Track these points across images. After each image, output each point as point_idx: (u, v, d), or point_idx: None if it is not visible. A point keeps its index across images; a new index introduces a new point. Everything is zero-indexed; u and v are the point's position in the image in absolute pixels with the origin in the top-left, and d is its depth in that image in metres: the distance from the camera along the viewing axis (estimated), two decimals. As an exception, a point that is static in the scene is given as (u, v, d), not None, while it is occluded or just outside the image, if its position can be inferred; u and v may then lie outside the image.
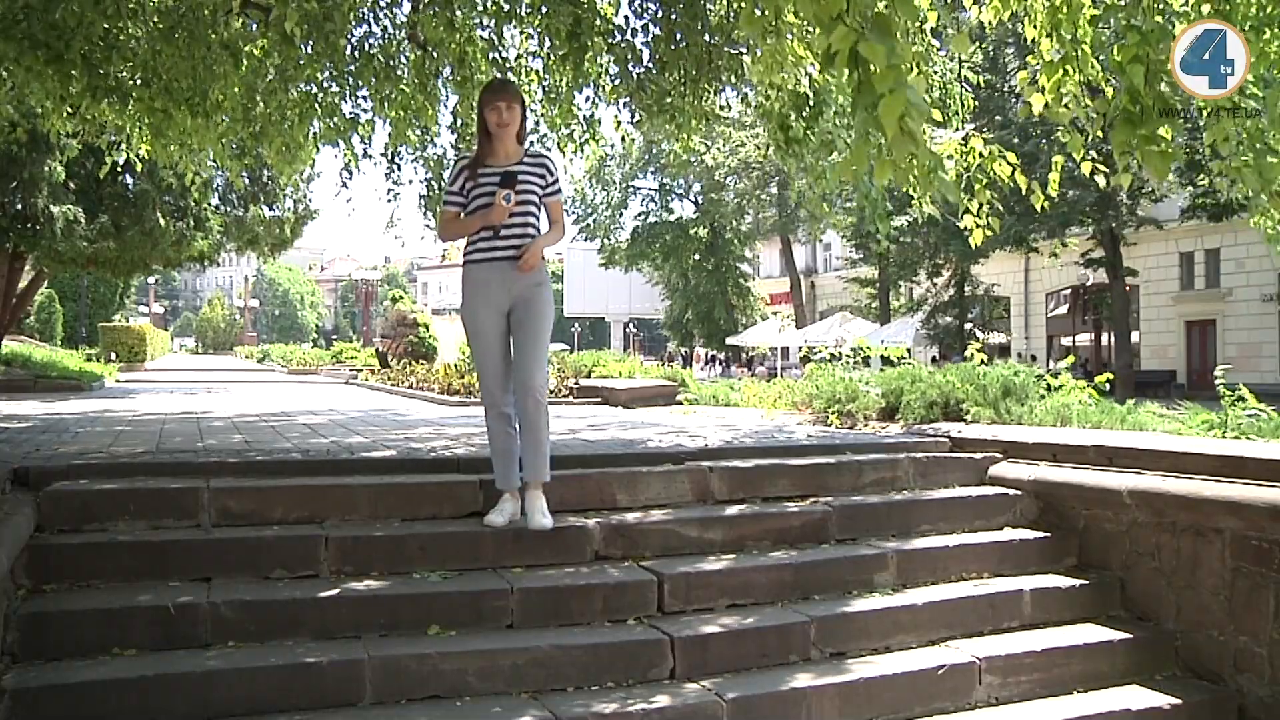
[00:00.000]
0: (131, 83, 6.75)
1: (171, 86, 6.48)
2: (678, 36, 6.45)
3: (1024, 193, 5.40)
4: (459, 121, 7.60)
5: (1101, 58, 4.81)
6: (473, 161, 3.95)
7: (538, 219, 3.94)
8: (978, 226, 5.63)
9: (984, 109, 20.40)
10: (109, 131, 7.86)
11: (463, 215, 3.95)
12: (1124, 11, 4.25)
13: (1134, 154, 4.26)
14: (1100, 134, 4.77)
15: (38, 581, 3.35)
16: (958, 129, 6.18)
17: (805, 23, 2.60)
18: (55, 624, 3.15)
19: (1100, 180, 5.21)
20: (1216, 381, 5.69)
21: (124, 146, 8.05)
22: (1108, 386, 6.18)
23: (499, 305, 3.88)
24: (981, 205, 5.61)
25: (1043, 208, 5.63)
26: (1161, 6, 4.38)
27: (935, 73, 6.43)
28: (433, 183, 8.01)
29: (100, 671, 3.00)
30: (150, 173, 13.69)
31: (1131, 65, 4.08)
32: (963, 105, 6.64)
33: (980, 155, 5.58)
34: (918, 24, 4.33)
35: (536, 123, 7.58)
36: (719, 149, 34.24)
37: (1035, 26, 5.01)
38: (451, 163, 7.95)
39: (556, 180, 4.00)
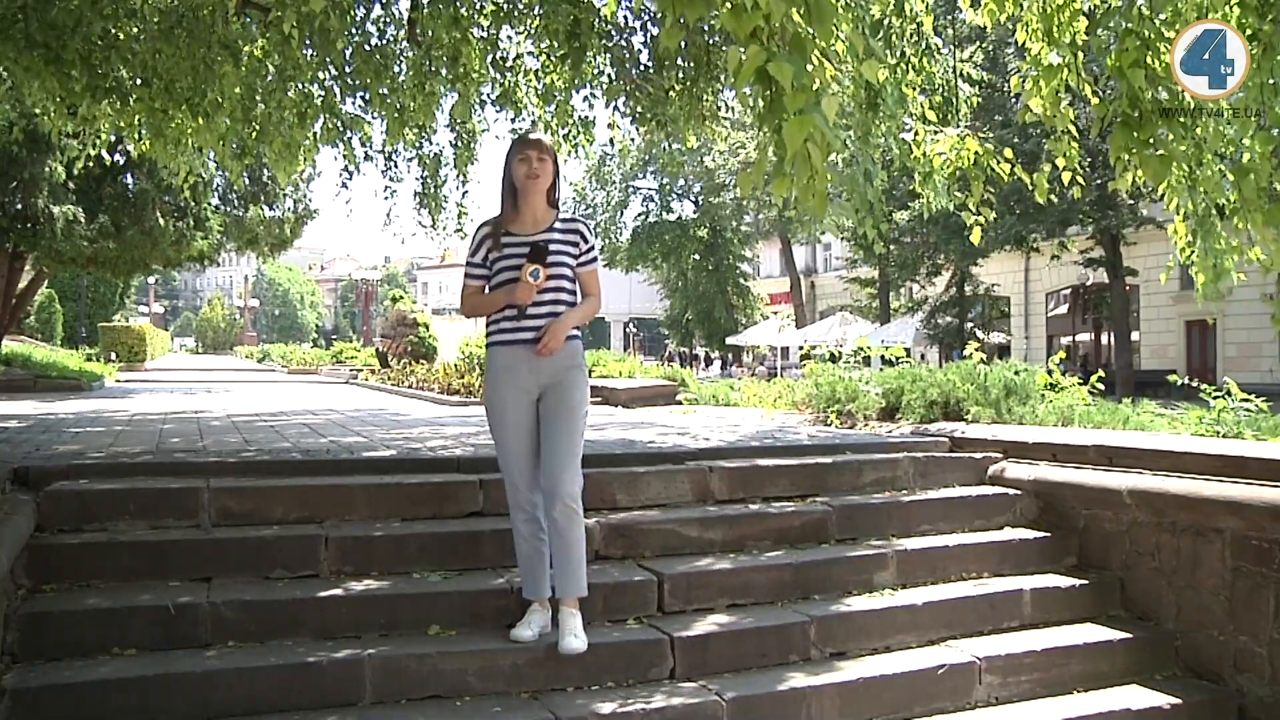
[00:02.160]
0: (131, 82, 6.75)
1: (171, 86, 6.49)
2: (668, 24, 6.43)
3: (1030, 188, 5.40)
4: (456, 120, 7.61)
5: (1097, 63, 4.82)
6: (495, 227, 3.44)
7: (571, 293, 3.45)
8: (976, 224, 5.65)
9: (984, 108, 20.38)
10: (109, 131, 7.86)
11: (487, 289, 3.48)
12: (1123, 16, 4.25)
13: (1132, 157, 4.26)
14: (1079, 138, 4.80)
15: (38, 581, 3.35)
16: (958, 125, 6.19)
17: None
18: (55, 624, 3.15)
19: (1076, 191, 5.20)
20: (1179, 380, 5.68)
21: (114, 140, 8.04)
22: (1101, 386, 6.18)
23: (526, 393, 3.39)
24: (978, 201, 5.62)
25: (1042, 206, 5.67)
26: (1161, 15, 4.38)
27: (937, 72, 6.42)
28: (427, 180, 8.02)
29: (100, 671, 3.01)
30: (150, 173, 13.71)
31: (1132, 69, 4.08)
32: (961, 103, 6.64)
33: (976, 154, 5.59)
34: (842, 41, 4.27)
35: (533, 123, 7.58)
36: (719, 151, 34.23)
37: (1028, 31, 5.00)
38: (448, 161, 7.95)
39: (592, 247, 3.53)
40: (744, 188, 3.27)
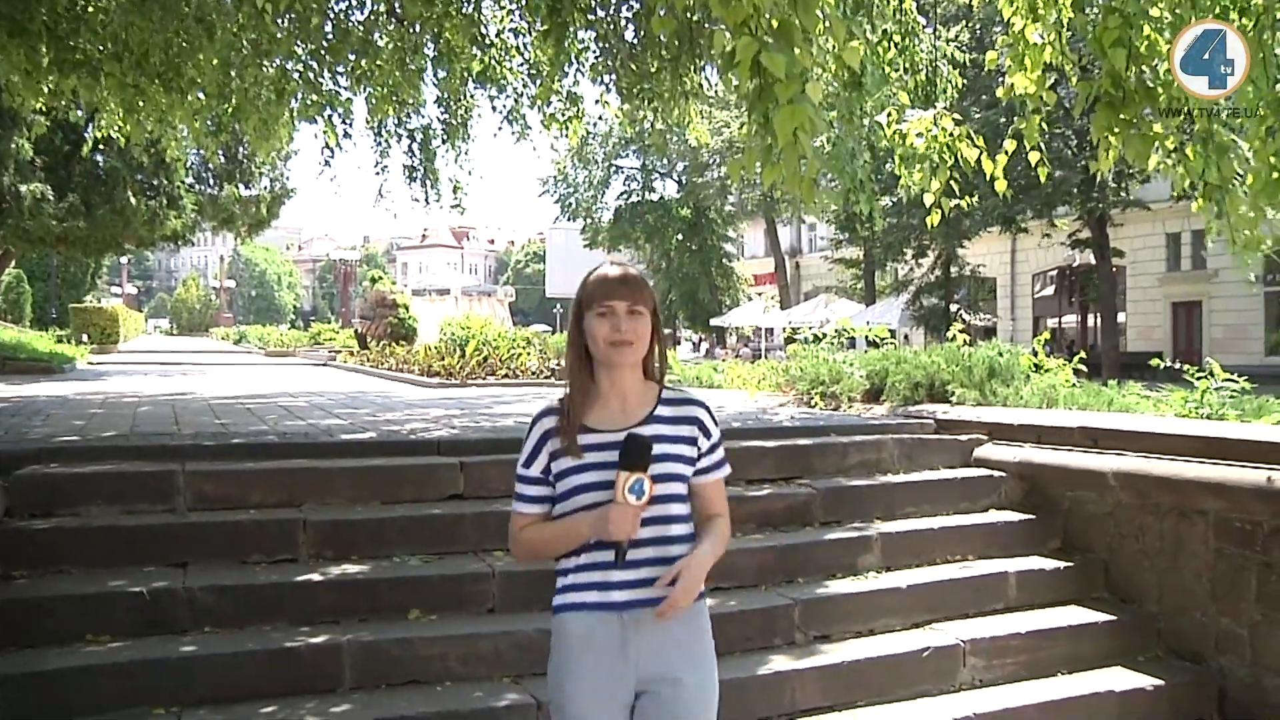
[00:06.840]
0: (102, 56, 6.58)
1: (144, 61, 6.33)
2: (660, 12, 6.35)
3: (989, 178, 5.32)
4: (447, 98, 7.49)
5: (1081, 42, 4.76)
6: (563, 418, 2.06)
7: (684, 520, 2.08)
8: (936, 208, 5.56)
9: (971, 88, 20.30)
10: (81, 107, 7.69)
11: (550, 515, 2.09)
12: None
13: (1115, 137, 4.23)
14: (1060, 117, 4.73)
15: (8, 568, 3.28)
16: (945, 104, 6.13)
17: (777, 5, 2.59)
18: (28, 611, 3.09)
19: (1042, 171, 5.12)
20: (1161, 364, 5.67)
21: (94, 124, 7.87)
22: (1084, 368, 6.17)
23: (623, 687, 2.03)
24: (941, 185, 5.53)
25: (1027, 186, 5.61)
26: None
27: (922, 51, 6.37)
28: (418, 154, 7.89)
29: (76, 658, 2.96)
30: (121, 151, 13.45)
31: (1113, 49, 4.05)
32: (950, 84, 6.58)
33: (949, 135, 5.52)
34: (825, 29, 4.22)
35: (518, 99, 7.44)
36: (702, 129, 34.07)
37: (1014, 7, 4.94)
38: (438, 135, 7.78)
39: (717, 444, 2.14)
40: (734, 174, 3.24)
